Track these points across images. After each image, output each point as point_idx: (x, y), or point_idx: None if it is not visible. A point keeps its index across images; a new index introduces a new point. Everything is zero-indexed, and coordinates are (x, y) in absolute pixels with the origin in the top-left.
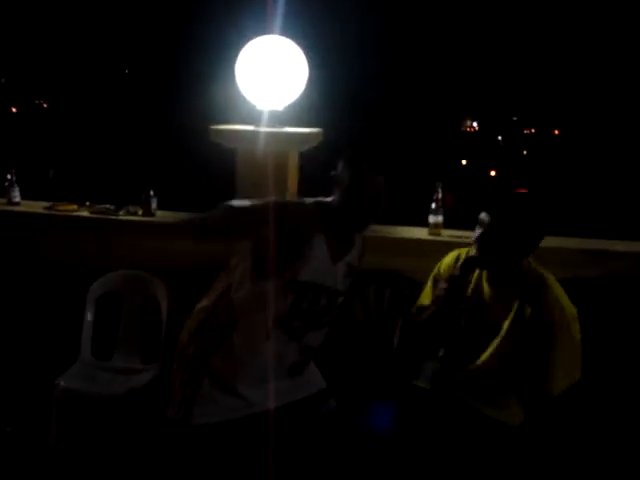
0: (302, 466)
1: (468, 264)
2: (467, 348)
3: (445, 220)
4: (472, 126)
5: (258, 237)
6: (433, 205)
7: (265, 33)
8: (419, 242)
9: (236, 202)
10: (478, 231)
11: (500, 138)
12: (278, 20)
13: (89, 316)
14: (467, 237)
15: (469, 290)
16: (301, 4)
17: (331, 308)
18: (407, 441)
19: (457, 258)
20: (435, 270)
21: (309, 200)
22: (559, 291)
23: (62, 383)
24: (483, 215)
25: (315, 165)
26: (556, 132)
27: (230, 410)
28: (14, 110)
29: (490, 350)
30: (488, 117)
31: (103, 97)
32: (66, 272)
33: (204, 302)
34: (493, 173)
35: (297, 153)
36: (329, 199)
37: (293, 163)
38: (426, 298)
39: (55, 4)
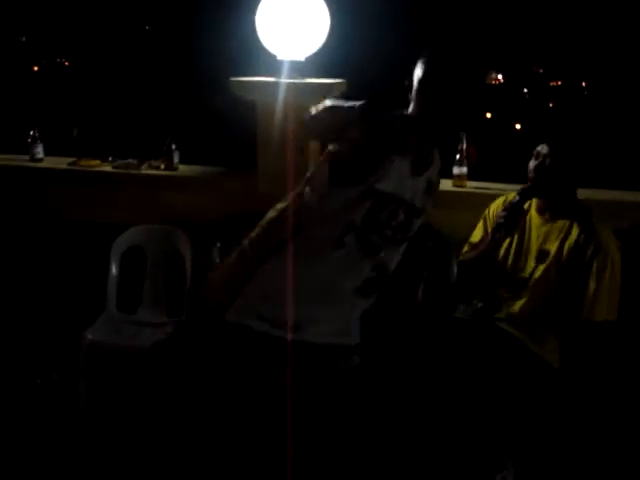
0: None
1: (526, 192)
2: (514, 279)
3: (469, 172)
4: (497, 78)
5: (343, 141)
6: (457, 156)
7: None
8: (443, 193)
9: (334, 102)
10: (534, 162)
11: (525, 91)
12: None
13: (114, 270)
14: (492, 189)
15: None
16: None
17: (408, 225)
18: (444, 370)
19: (504, 200)
20: (484, 213)
21: (396, 113)
22: (605, 222)
23: (89, 336)
24: (540, 147)
25: None
26: (583, 84)
27: (265, 323)
28: (35, 69)
29: (537, 275)
30: (513, 69)
31: (123, 53)
32: (90, 227)
33: (279, 205)
34: (518, 126)
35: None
36: (408, 111)
37: None
38: (477, 236)
39: None
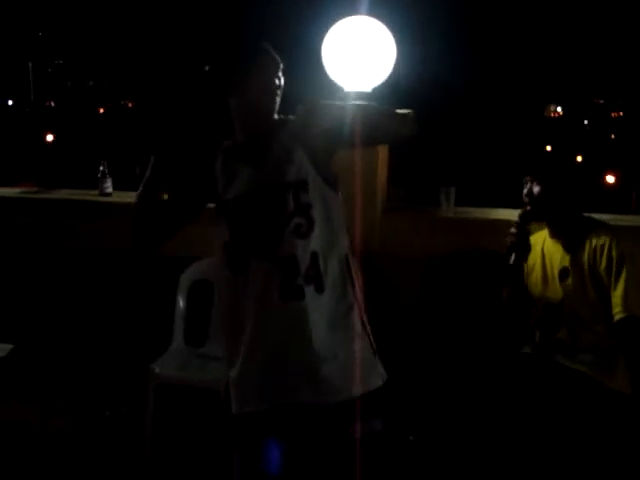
0: None
1: (524, 216)
2: (549, 306)
3: None
4: (556, 111)
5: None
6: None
7: (352, 14)
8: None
9: None
10: (525, 189)
11: (586, 122)
12: (366, 0)
13: (181, 304)
14: None
15: (538, 252)
16: None
17: (280, 205)
18: (514, 407)
19: None
20: None
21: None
22: (611, 228)
23: (156, 369)
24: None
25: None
26: None
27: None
28: (101, 111)
29: (566, 294)
30: (573, 101)
31: (185, 92)
32: (159, 260)
33: None
34: (580, 158)
35: None
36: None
37: (383, 145)
38: None
39: (134, 9)
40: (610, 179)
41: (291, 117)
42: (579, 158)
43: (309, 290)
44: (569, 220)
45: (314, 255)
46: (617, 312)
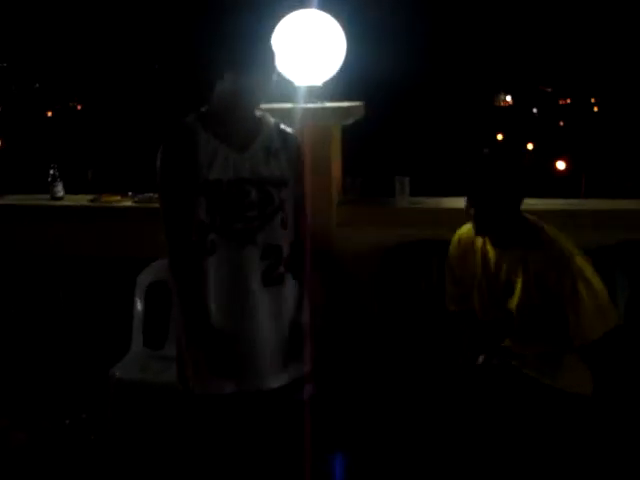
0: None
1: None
2: (497, 319)
3: None
4: (506, 100)
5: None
6: None
7: (302, 7)
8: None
9: None
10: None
11: (535, 110)
12: None
13: (139, 306)
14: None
15: (478, 259)
16: None
17: (269, 197)
18: (476, 416)
19: (458, 239)
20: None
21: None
22: (554, 232)
23: (116, 374)
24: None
25: (358, 138)
26: (592, 100)
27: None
28: (49, 114)
29: (512, 308)
30: (522, 90)
31: (135, 91)
32: (114, 263)
33: None
34: (530, 146)
35: (339, 127)
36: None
37: (336, 138)
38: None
39: (81, 9)
40: (560, 165)
41: (272, 119)
42: (530, 146)
43: (288, 277)
44: (509, 233)
45: (292, 245)
46: (576, 340)
